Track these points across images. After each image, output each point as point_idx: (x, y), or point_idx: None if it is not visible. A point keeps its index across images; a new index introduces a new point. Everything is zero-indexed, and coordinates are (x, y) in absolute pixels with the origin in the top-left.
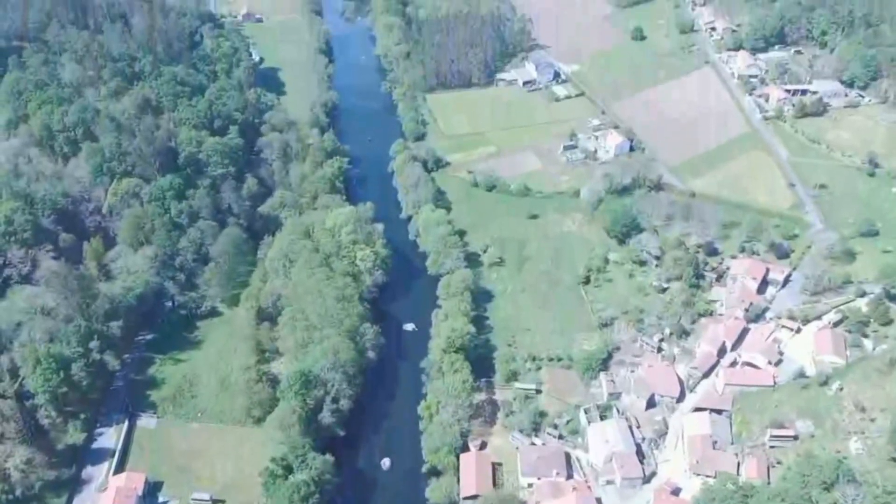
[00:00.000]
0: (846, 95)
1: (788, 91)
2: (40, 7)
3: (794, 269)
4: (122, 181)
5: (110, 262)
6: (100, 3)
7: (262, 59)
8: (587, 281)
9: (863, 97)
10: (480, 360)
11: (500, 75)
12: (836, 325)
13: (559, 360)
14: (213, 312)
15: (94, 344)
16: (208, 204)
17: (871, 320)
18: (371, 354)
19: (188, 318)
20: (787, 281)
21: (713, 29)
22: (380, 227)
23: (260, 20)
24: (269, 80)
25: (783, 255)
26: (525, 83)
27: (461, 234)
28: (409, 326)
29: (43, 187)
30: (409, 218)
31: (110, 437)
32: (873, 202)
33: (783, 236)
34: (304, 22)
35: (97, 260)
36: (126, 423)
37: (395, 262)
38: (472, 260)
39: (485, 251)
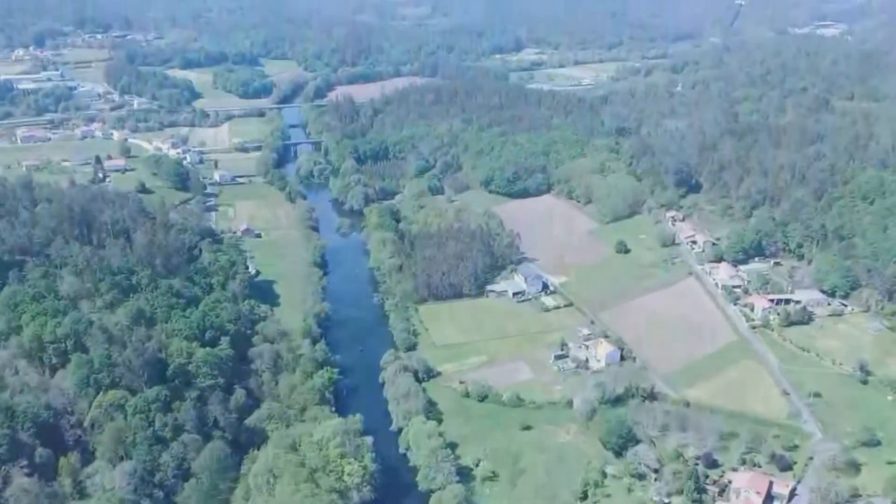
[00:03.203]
0: (829, 304)
1: (772, 300)
2: (47, 224)
3: (799, 482)
4: (108, 393)
5: (86, 478)
6: (105, 220)
7: (258, 272)
8: (585, 496)
9: (845, 306)
10: None
11: (490, 287)
12: None
13: None
14: None
15: None
16: (194, 417)
17: None
18: None
19: None
20: (792, 495)
21: (694, 242)
22: (369, 440)
23: (258, 235)
24: (264, 292)
25: (785, 466)
26: (514, 294)
27: (453, 446)
28: None
29: (26, 399)
30: (400, 430)
31: None
32: (870, 410)
33: (783, 447)
34: (300, 237)
35: (73, 476)
36: None
37: (384, 477)
38: (465, 474)
39: (477, 465)
